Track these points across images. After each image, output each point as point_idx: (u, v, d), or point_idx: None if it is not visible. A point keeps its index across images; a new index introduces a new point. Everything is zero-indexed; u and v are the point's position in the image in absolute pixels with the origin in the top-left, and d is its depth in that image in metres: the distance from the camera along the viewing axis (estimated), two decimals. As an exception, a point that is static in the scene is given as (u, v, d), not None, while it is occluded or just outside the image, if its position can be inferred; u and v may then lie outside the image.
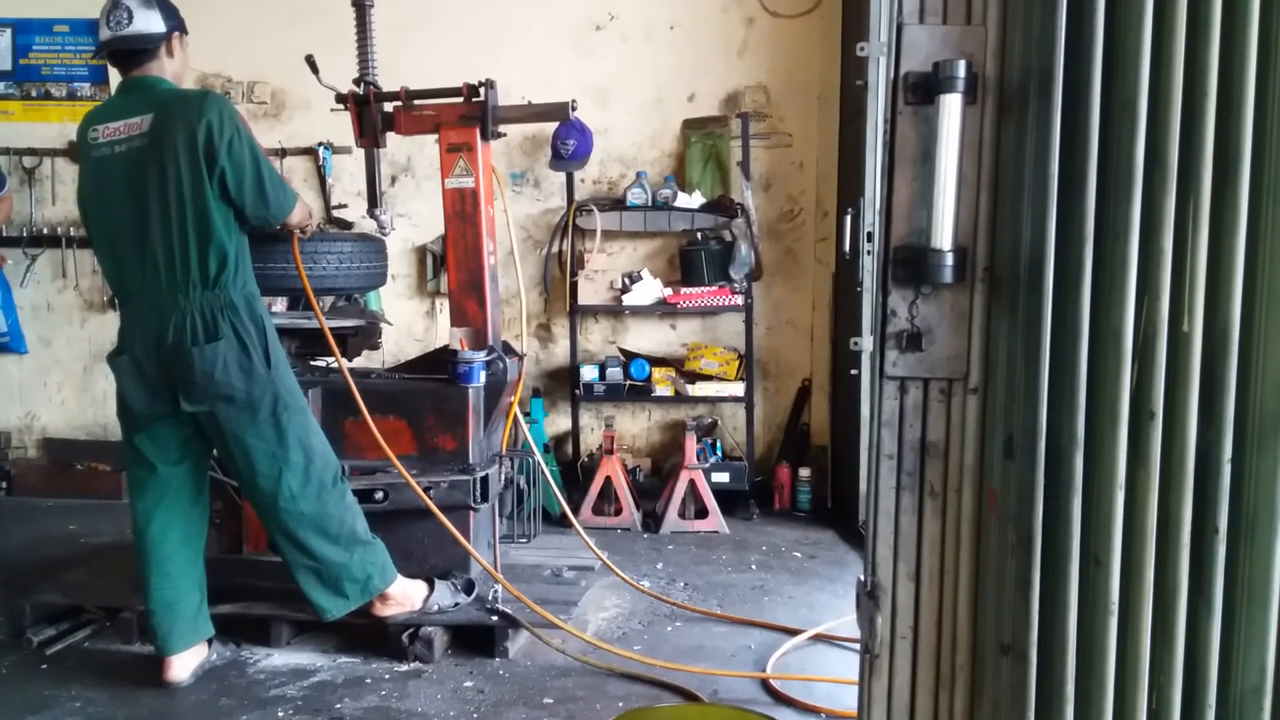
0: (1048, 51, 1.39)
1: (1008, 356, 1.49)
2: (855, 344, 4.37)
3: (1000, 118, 1.49)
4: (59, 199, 5.88)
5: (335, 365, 3.57)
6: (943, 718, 1.56)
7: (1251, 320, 1.39)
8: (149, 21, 3.10)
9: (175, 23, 3.17)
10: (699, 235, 5.45)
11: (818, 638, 3.65)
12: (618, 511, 5.16)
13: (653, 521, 5.15)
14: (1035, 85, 1.42)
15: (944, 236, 1.48)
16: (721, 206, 5.38)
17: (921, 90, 1.49)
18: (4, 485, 5.79)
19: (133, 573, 3.32)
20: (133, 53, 3.14)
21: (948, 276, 1.49)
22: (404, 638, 3.41)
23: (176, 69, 3.21)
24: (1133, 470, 1.40)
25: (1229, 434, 1.38)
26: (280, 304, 4.45)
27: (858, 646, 1.68)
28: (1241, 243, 1.37)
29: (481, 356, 3.68)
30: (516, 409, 3.97)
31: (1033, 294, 1.42)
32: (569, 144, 5.30)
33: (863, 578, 1.62)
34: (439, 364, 3.80)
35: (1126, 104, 1.38)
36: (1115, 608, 1.41)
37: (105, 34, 3.11)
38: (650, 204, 5.38)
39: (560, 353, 5.79)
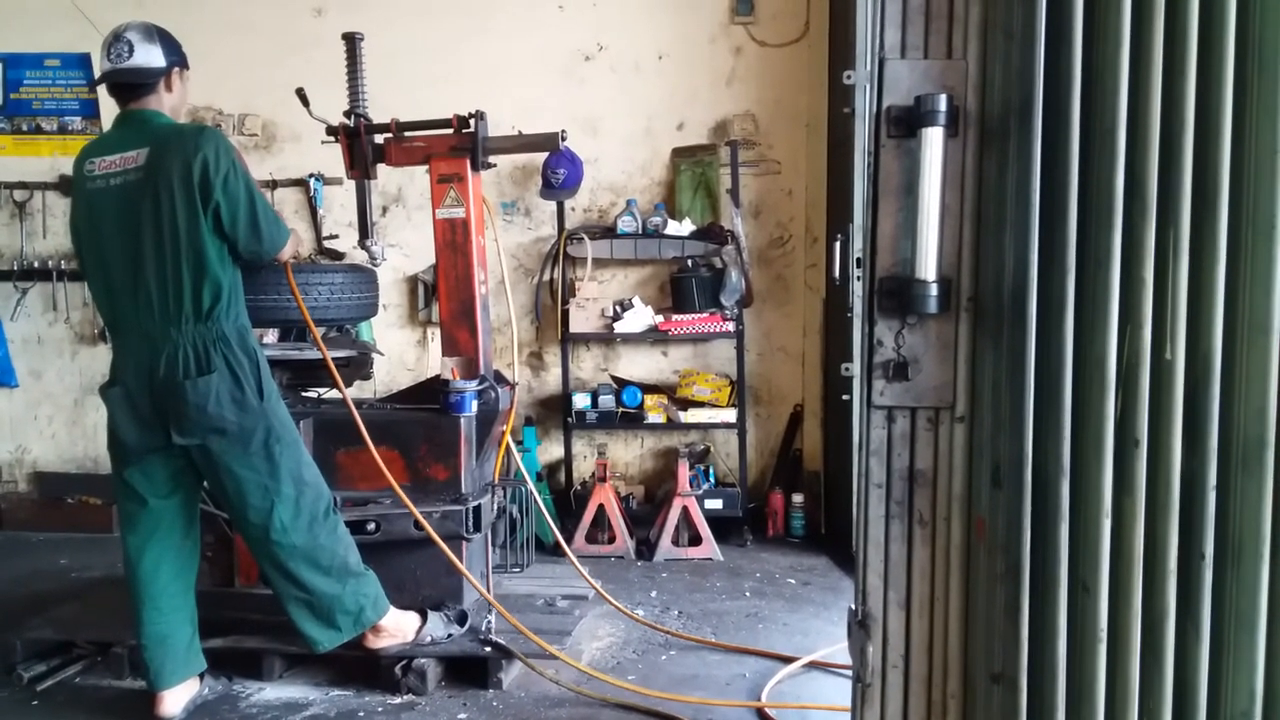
0: (1027, 84, 1.41)
1: (993, 385, 1.50)
2: (846, 369, 4.38)
3: (982, 150, 1.51)
4: (50, 232, 5.89)
5: (327, 396, 3.57)
6: (935, 746, 1.57)
7: (1233, 347, 1.40)
8: (149, 55, 3.12)
9: (176, 58, 3.19)
10: (689, 262, 5.47)
11: (813, 665, 3.64)
12: (611, 539, 5.15)
13: (646, 549, 5.15)
14: (1015, 118, 1.44)
15: (928, 267, 1.49)
16: (711, 234, 5.41)
17: (904, 124, 1.51)
18: (-6, 519, 5.77)
19: (124, 607, 3.30)
20: (132, 86, 3.15)
21: (933, 307, 1.51)
22: (397, 670, 3.40)
23: (175, 103, 3.23)
24: (1119, 498, 1.41)
25: (1213, 461, 1.39)
26: (271, 335, 4.46)
27: (852, 674, 1.68)
28: (1222, 271, 1.39)
29: (473, 386, 3.69)
30: (509, 438, 3.97)
31: (1016, 323, 1.44)
32: (559, 173, 5.33)
33: (854, 606, 1.62)
34: (431, 394, 3.80)
35: (1105, 135, 1.40)
36: (1104, 634, 1.42)
37: (105, 65, 3.12)
38: (641, 232, 5.41)
39: (552, 381, 5.79)
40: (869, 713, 1.59)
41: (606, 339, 5.64)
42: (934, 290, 1.50)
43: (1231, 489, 1.39)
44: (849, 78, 4.57)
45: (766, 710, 3.24)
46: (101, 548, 5.13)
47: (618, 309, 5.46)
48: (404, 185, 5.74)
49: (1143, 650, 1.41)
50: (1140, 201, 1.39)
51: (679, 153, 5.68)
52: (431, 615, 3.53)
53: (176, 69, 3.20)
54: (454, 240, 3.77)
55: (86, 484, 5.83)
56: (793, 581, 4.71)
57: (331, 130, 3.90)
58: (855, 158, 4.58)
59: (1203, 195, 1.40)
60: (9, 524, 5.74)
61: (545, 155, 5.28)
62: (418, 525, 3.47)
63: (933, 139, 1.48)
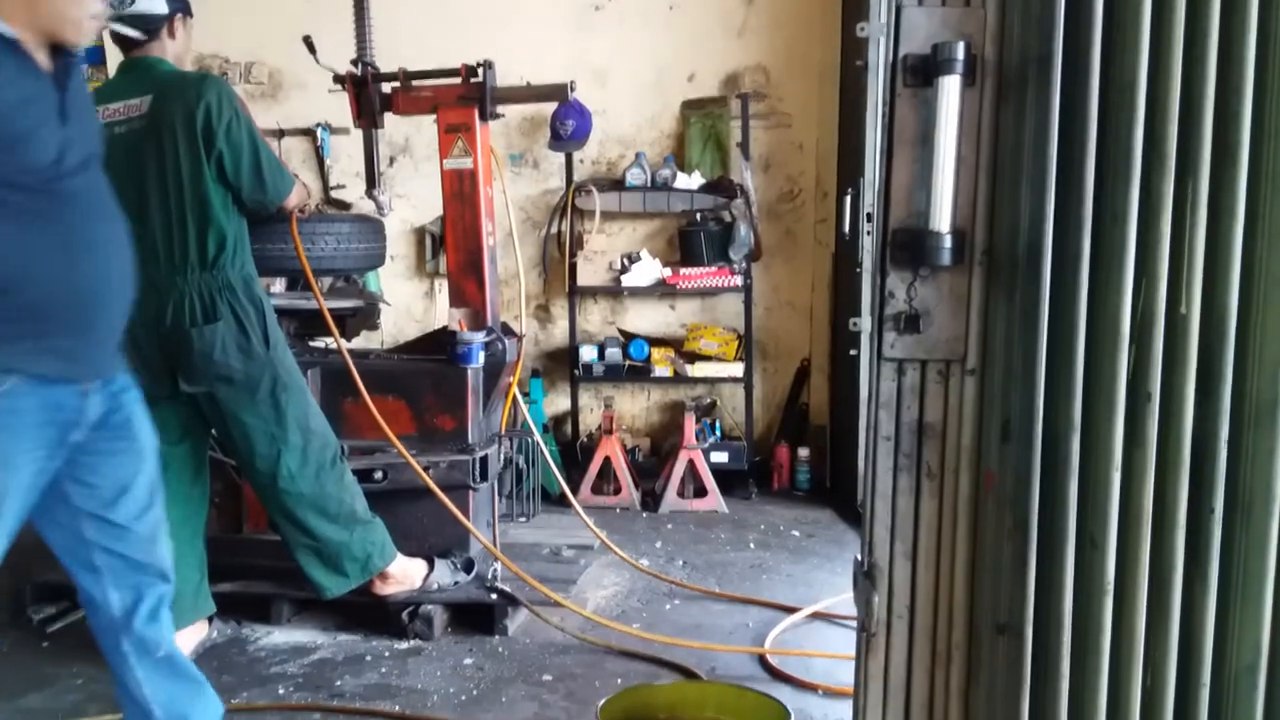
0: (1046, 34, 1.39)
1: (1005, 339, 1.49)
2: (854, 324, 4.37)
3: (999, 100, 1.49)
4: (57, 179, 5.86)
5: (334, 346, 3.58)
6: (938, 696, 1.58)
7: (1249, 303, 1.39)
8: (151, 3, 3.09)
9: (179, 4, 3.16)
10: (698, 216, 5.44)
11: (815, 615, 3.67)
12: (617, 491, 5.18)
13: (652, 501, 5.18)
14: (1034, 68, 1.42)
15: (942, 219, 1.48)
16: (721, 187, 5.37)
17: (920, 72, 1.49)
18: (4, 465, 5.79)
19: (134, 552, 3.32)
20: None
21: (946, 259, 1.49)
22: (404, 616, 3.43)
23: (178, 50, 3.20)
24: (1129, 453, 1.41)
25: (1226, 416, 1.39)
26: (279, 285, 4.46)
27: (855, 624, 1.69)
28: (1240, 226, 1.38)
29: (480, 337, 3.69)
30: (515, 389, 3.97)
31: (1031, 277, 1.43)
32: (568, 124, 5.29)
33: (860, 557, 1.63)
34: (438, 345, 3.81)
35: (1125, 87, 1.38)
36: (1111, 587, 1.42)
37: (108, 13, 3.10)
38: (649, 185, 5.38)
39: (559, 333, 5.79)
40: (873, 661, 1.60)
41: (614, 292, 5.63)
42: (948, 242, 1.48)
43: (1243, 445, 1.39)
44: (862, 29, 4.48)
45: (769, 658, 3.27)
46: (110, 494, 5.15)
47: (625, 262, 5.44)
48: (411, 135, 5.70)
49: (1149, 603, 1.41)
50: (1159, 154, 1.37)
51: (689, 105, 5.63)
52: (438, 563, 3.56)
53: (179, 15, 3.16)
54: (461, 191, 3.76)
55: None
56: (797, 534, 4.74)
57: (339, 79, 3.88)
58: (867, 111, 4.54)
59: (1223, 149, 1.38)
60: (18, 470, 5.77)
61: (554, 107, 5.24)
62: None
63: (949, 88, 1.46)
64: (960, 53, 1.45)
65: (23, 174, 1.99)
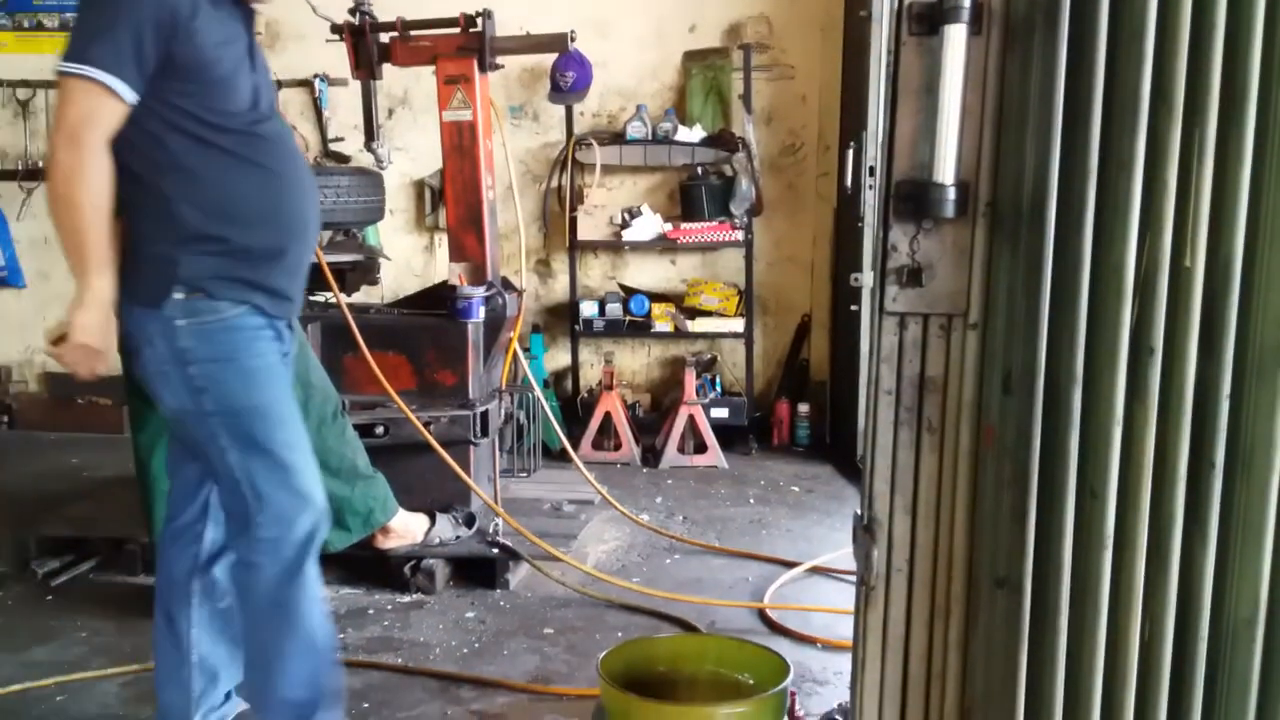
0: (1054, -19, 1.37)
1: (1008, 292, 1.48)
2: (855, 279, 4.35)
3: (1005, 49, 1.47)
4: (53, 132, 5.82)
5: (334, 300, 3.56)
6: (937, 648, 1.58)
7: (1254, 255, 1.38)
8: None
9: None
10: (699, 170, 5.41)
11: (815, 570, 3.69)
12: (617, 446, 5.19)
13: (652, 456, 5.19)
14: (1041, 16, 1.40)
15: (946, 170, 1.46)
16: (722, 140, 5.33)
17: (926, 21, 1.46)
18: (5, 419, 5.81)
19: (135, 506, 3.34)
20: None
21: (950, 211, 1.48)
22: (406, 570, 3.45)
23: None
24: (1131, 406, 1.40)
25: (1228, 369, 1.38)
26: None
27: (854, 579, 1.69)
28: (1246, 177, 1.36)
29: (481, 292, 3.67)
30: (516, 344, 3.97)
31: (1034, 229, 1.41)
32: (568, 76, 5.24)
33: (859, 512, 1.63)
34: (438, 299, 3.79)
35: (1133, 36, 1.36)
36: (1110, 540, 1.42)
37: None
38: (650, 138, 5.34)
39: (560, 288, 5.77)
40: (872, 615, 1.60)
41: (615, 247, 5.60)
42: (951, 194, 1.47)
43: (1245, 397, 1.38)
44: (866, -21, 4.46)
45: (769, 612, 3.29)
46: (112, 448, 5.17)
47: (626, 216, 5.41)
48: (410, 87, 5.65)
49: (1148, 556, 1.41)
50: (1166, 104, 1.35)
51: (690, 56, 5.57)
52: (440, 517, 3.57)
53: None
54: (461, 144, 3.72)
55: (96, 385, 5.84)
56: (796, 489, 4.76)
57: (336, 29, 3.82)
58: (871, 62, 4.49)
59: (1229, 99, 1.36)
60: (21, 424, 5.80)
61: (554, 57, 5.18)
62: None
63: (955, 37, 1.43)
64: (966, 0, 1.43)
65: (228, 118, 2.05)
